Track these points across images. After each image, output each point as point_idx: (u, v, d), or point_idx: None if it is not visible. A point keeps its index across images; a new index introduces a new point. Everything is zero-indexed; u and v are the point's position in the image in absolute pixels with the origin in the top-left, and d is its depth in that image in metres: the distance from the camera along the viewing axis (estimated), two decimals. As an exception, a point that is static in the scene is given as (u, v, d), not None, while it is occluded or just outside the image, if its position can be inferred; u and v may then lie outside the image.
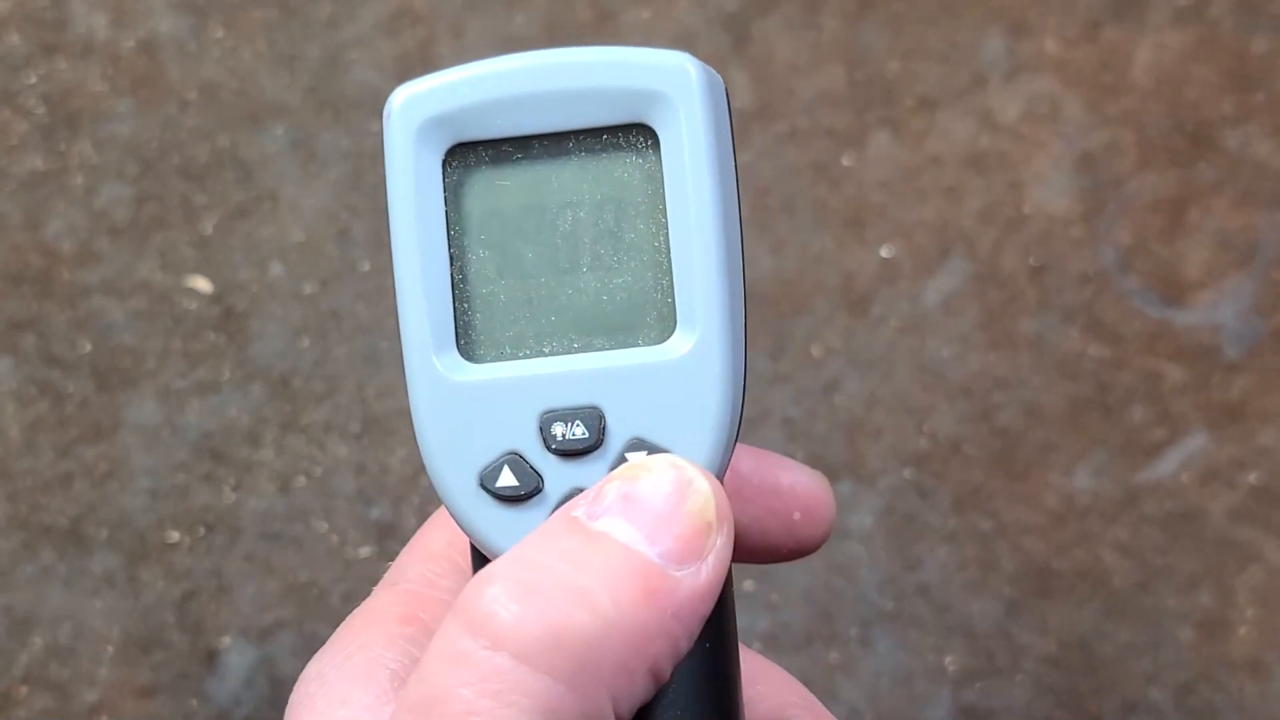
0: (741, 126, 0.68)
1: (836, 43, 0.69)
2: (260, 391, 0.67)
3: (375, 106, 0.67)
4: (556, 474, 0.30)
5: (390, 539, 0.63)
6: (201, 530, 0.66)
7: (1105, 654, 0.64)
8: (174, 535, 0.66)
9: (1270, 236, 0.67)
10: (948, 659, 0.64)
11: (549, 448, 0.30)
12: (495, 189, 0.31)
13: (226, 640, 0.65)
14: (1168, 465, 0.65)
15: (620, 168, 0.31)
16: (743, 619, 0.63)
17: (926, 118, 0.68)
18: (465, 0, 0.69)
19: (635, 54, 0.31)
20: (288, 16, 0.68)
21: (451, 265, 0.31)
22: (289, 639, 0.64)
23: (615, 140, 0.31)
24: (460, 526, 0.31)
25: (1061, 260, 0.67)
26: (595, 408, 0.30)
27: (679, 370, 0.30)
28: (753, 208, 0.67)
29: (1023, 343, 0.66)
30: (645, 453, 0.30)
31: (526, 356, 0.31)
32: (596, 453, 0.30)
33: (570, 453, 0.30)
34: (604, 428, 0.30)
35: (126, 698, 0.65)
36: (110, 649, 0.65)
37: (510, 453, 0.30)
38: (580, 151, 0.31)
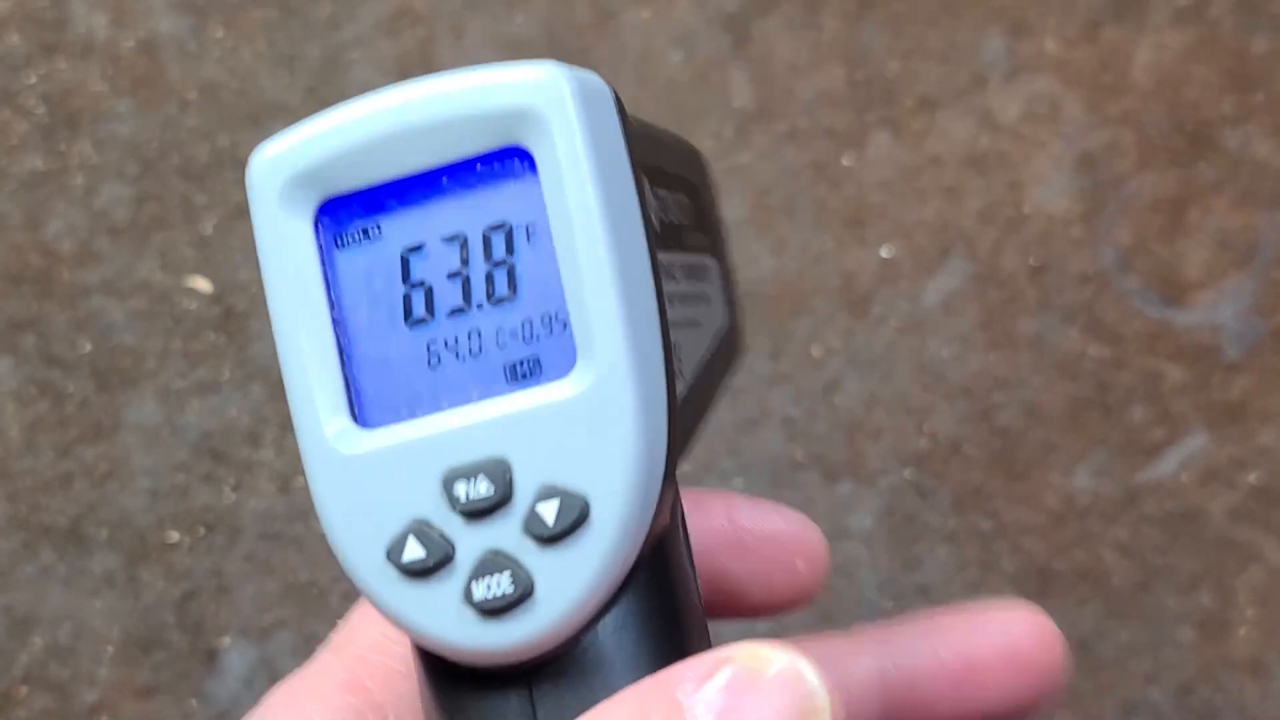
0: (741, 127, 0.68)
1: (836, 43, 0.68)
2: (260, 391, 0.67)
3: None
4: (466, 538, 0.28)
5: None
6: (201, 530, 0.66)
7: (1105, 654, 0.64)
8: (174, 535, 0.66)
9: (1270, 236, 0.67)
10: (948, 659, 0.64)
11: (454, 509, 0.28)
12: (372, 240, 0.29)
13: (226, 640, 0.65)
14: (1168, 465, 0.65)
15: (499, 197, 0.29)
16: (743, 620, 0.63)
17: (926, 118, 0.68)
18: (465, 0, 0.69)
19: (497, 73, 0.28)
20: (288, 16, 0.68)
21: (335, 329, 0.28)
22: (289, 639, 0.64)
23: (490, 169, 0.29)
24: (374, 608, 0.29)
25: (1061, 260, 0.67)
26: (500, 459, 0.28)
27: (583, 405, 0.28)
28: (752, 208, 0.67)
29: (1023, 343, 0.66)
30: (557, 500, 0.28)
31: (424, 414, 0.28)
32: (505, 509, 0.28)
33: (477, 513, 0.28)
34: (510, 480, 0.28)
35: (126, 698, 0.65)
36: (110, 649, 0.65)
37: (415, 521, 0.28)
38: (456, 186, 0.29)
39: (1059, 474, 0.65)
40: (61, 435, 0.67)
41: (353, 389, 0.28)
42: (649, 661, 0.29)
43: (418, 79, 0.29)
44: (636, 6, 0.68)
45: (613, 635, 0.29)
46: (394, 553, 0.28)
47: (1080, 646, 0.64)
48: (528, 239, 0.28)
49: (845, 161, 0.68)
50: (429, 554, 0.28)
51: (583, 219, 0.28)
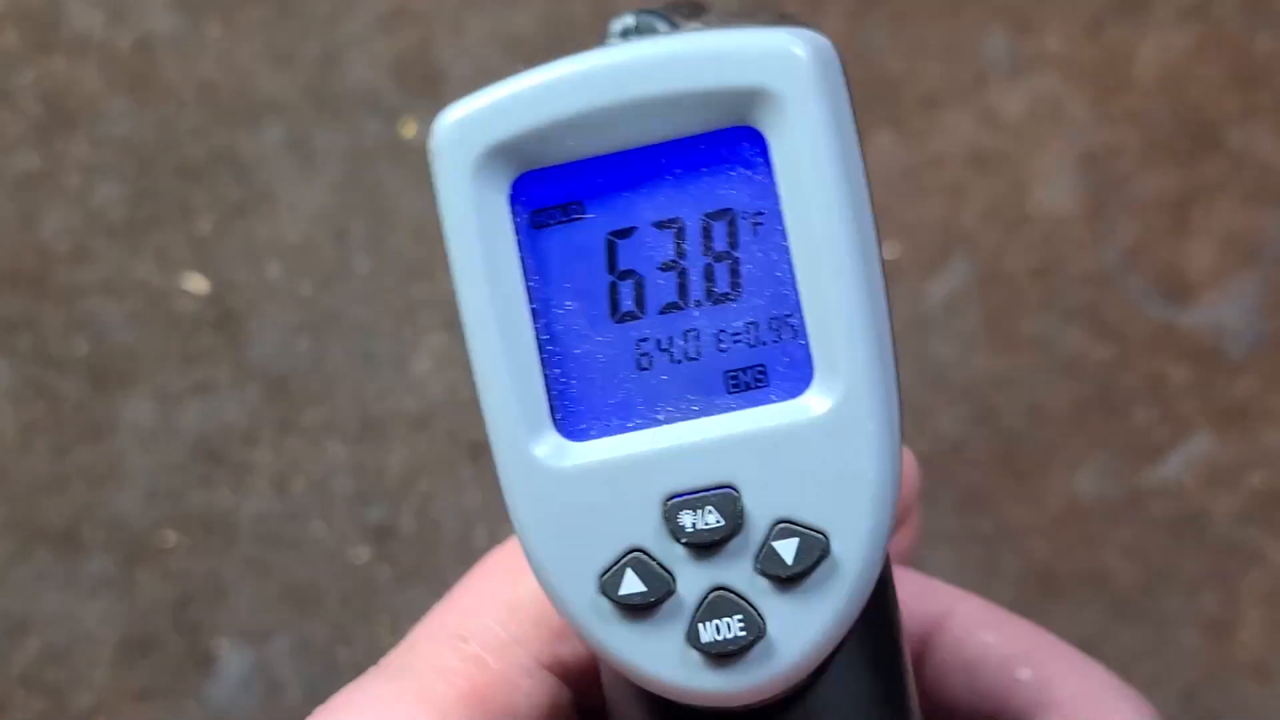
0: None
1: (837, 41, 0.68)
2: (257, 392, 0.67)
3: (373, 105, 0.67)
4: (690, 573, 0.25)
5: (389, 540, 0.63)
6: (198, 532, 0.66)
7: (1108, 656, 0.64)
8: (171, 537, 0.66)
9: (1275, 236, 0.67)
10: (950, 662, 0.63)
11: (678, 540, 0.25)
12: (577, 222, 0.26)
13: (223, 643, 0.65)
14: (1171, 467, 0.65)
15: (724, 182, 0.26)
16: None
17: (928, 117, 0.68)
18: (464, -2, 0.68)
19: (729, 42, 0.25)
20: (285, 15, 0.68)
21: (535, 323, 0.26)
22: (286, 642, 0.63)
23: (714, 149, 0.26)
24: (583, 641, 0.26)
25: (1064, 260, 0.67)
26: (729, 487, 0.25)
27: (823, 431, 0.25)
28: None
29: (1025, 343, 0.66)
30: (796, 539, 0.25)
31: (638, 428, 0.25)
32: (736, 541, 0.25)
33: (703, 545, 0.25)
34: (741, 511, 0.25)
35: (123, 700, 0.65)
36: (106, 652, 0.65)
37: (632, 550, 0.25)
38: (673, 167, 0.26)
39: (1062, 475, 0.65)
40: (57, 436, 0.67)
41: (554, 392, 0.26)
42: (878, 703, 0.27)
43: (636, 43, 0.25)
44: (637, 4, 0.68)
45: (842, 677, 0.27)
46: (609, 585, 0.25)
47: (1083, 649, 0.64)
48: (754, 230, 0.25)
49: (847, 160, 0.68)
50: (650, 589, 0.25)
51: (826, 217, 0.25)
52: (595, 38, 0.74)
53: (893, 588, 0.28)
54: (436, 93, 0.67)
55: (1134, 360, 0.66)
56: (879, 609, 0.27)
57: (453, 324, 0.63)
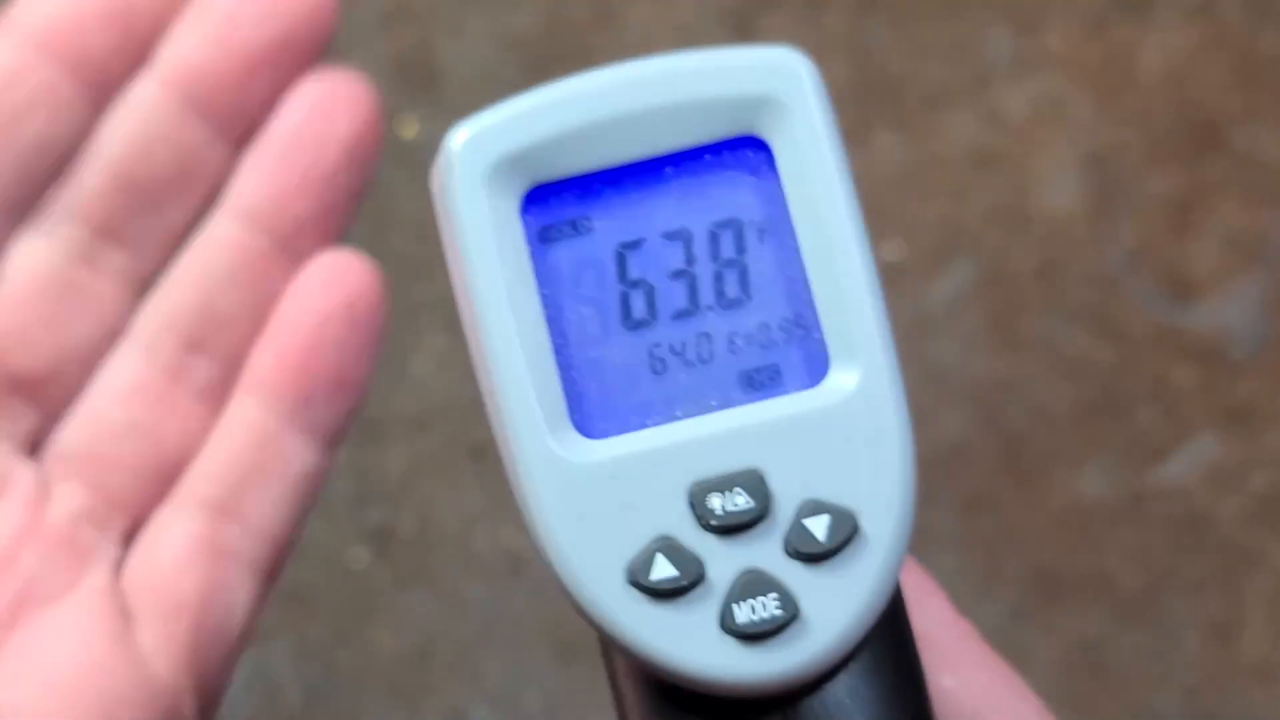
0: (743, 125, 0.68)
1: (839, 40, 0.68)
2: (256, 394, 0.67)
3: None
4: (720, 556, 0.25)
5: (388, 542, 0.63)
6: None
7: (1111, 659, 0.64)
8: (169, 539, 0.66)
9: (1278, 236, 0.67)
10: (952, 665, 0.63)
11: (706, 525, 0.25)
12: (587, 231, 0.26)
13: (222, 645, 0.65)
14: (1175, 468, 0.65)
15: (729, 190, 0.26)
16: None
17: (931, 116, 0.68)
18: (464, -2, 0.68)
19: (729, 56, 0.26)
20: (284, 14, 0.68)
21: (550, 329, 0.26)
22: (285, 644, 0.63)
23: (721, 158, 0.26)
24: (612, 638, 0.26)
25: (1067, 261, 0.67)
26: (754, 470, 0.26)
27: (845, 414, 0.26)
28: (755, 208, 0.67)
29: (1028, 344, 0.66)
30: (827, 516, 0.26)
31: (658, 423, 0.26)
32: (764, 524, 0.25)
33: (733, 528, 0.25)
34: (767, 492, 0.26)
35: (121, 703, 0.65)
36: (105, 654, 0.65)
37: (661, 538, 0.25)
38: (681, 176, 0.26)
39: (1064, 477, 0.65)
40: (55, 438, 0.67)
41: (571, 395, 0.26)
42: (900, 691, 0.27)
43: (641, 59, 0.27)
44: (637, 4, 0.68)
45: (873, 661, 0.27)
46: (639, 573, 0.25)
47: (1086, 651, 0.64)
48: (759, 237, 0.26)
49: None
50: (682, 573, 0.25)
51: (833, 216, 0.26)
52: (597, 36, 0.74)
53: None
54: (436, 93, 0.67)
55: (1137, 361, 0.66)
56: (896, 597, 0.27)
57: (453, 325, 0.63)
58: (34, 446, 0.34)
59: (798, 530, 0.25)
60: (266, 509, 0.34)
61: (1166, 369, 0.66)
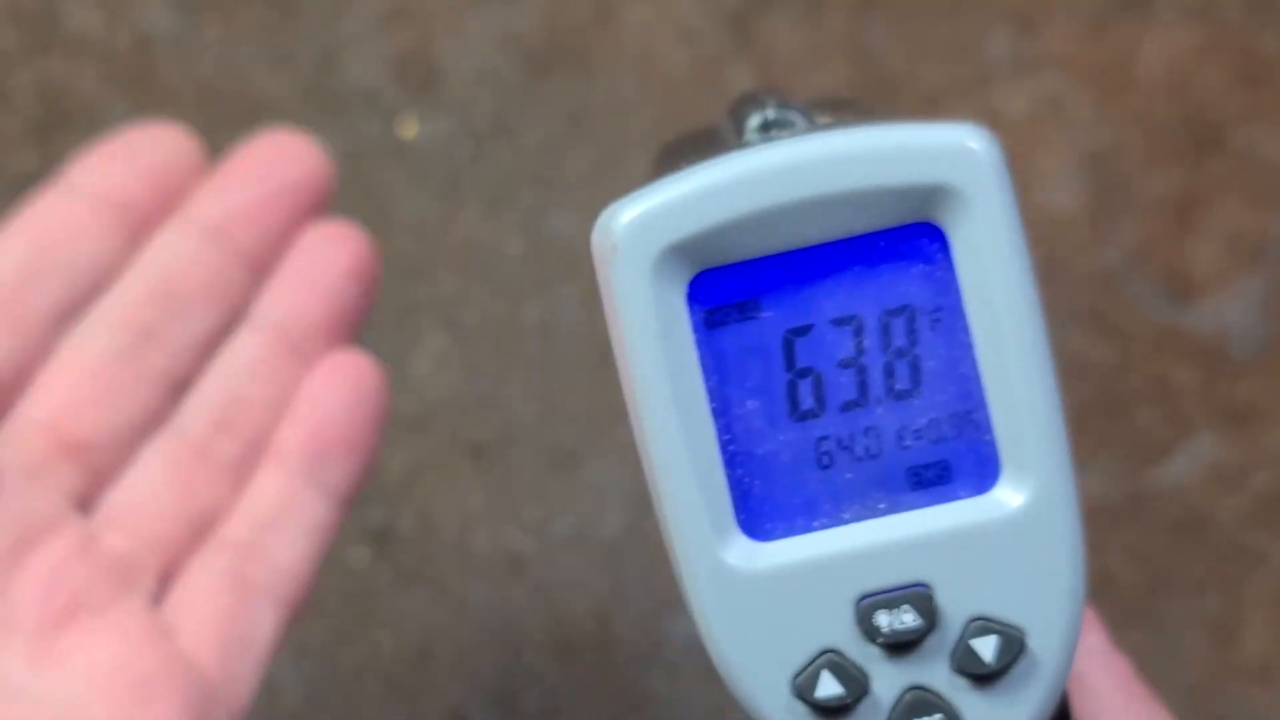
0: (743, 125, 0.68)
1: (839, 40, 0.68)
2: (256, 394, 0.67)
3: (373, 105, 0.67)
4: (885, 673, 0.25)
5: (388, 542, 0.63)
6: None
7: (1112, 659, 0.64)
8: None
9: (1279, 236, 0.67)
10: (953, 665, 0.63)
11: (872, 640, 0.25)
12: (754, 320, 0.26)
13: (222, 645, 0.65)
14: (1175, 468, 0.65)
15: (904, 279, 0.26)
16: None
17: (931, 116, 0.68)
18: (464, -2, 0.68)
19: (907, 137, 0.25)
20: (284, 15, 0.68)
21: (716, 423, 0.25)
22: (285, 644, 0.63)
23: (893, 245, 0.26)
24: None
25: (1067, 261, 0.66)
26: (922, 585, 0.25)
27: (1016, 528, 0.25)
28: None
29: (1028, 344, 0.66)
30: (995, 637, 0.25)
31: (824, 526, 0.25)
32: (931, 640, 0.25)
33: (900, 645, 0.25)
34: (934, 609, 0.25)
35: (121, 704, 0.65)
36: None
37: (826, 651, 0.25)
38: (851, 264, 0.26)
39: (1065, 477, 0.65)
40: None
41: (737, 493, 0.25)
42: None
43: (811, 137, 0.25)
44: (637, 4, 0.68)
45: None
46: (804, 688, 0.25)
47: (1087, 652, 0.64)
48: (931, 326, 0.26)
49: (848, 161, 0.67)
50: (848, 691, 0.25)
51: (1013, 313, 0.25)
52: (598, 36, 0.74)
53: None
54: (436, 93, 0.67)
55: (1137, 361, 0.66)
56: (1061, 705, 0.27)
57: (453, 325, 0.63)
58: (83, 506, 0.39)
59: (965, 650, 0.25)
60: (285, 551, 0.40)
61: (1167, 369, 0.66)
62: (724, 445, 0.25)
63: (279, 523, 0.40)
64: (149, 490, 0.40)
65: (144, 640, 0.37)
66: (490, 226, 0.66)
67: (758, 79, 0.68)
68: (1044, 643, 0.25)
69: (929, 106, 0.68)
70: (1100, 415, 0.65)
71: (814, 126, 0.28)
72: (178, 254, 0.41)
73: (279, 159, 0.43)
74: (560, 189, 0.66)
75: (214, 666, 0.38)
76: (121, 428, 0.40)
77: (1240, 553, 0.64)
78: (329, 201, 0.44)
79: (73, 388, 0.39)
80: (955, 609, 0.25)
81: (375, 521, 0.64)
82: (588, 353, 0.63)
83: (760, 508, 0.26)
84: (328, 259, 0.42)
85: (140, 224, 0.41)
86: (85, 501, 0.40)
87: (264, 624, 0.40)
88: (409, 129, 0.67)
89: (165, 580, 0.39)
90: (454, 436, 0.64)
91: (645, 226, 0.25)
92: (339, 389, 0.42)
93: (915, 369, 0.26)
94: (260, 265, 0.42)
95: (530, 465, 0.63)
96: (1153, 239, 0.67)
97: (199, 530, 0.40)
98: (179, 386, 0.41)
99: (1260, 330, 0.66)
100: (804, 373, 0.26)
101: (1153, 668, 0.66)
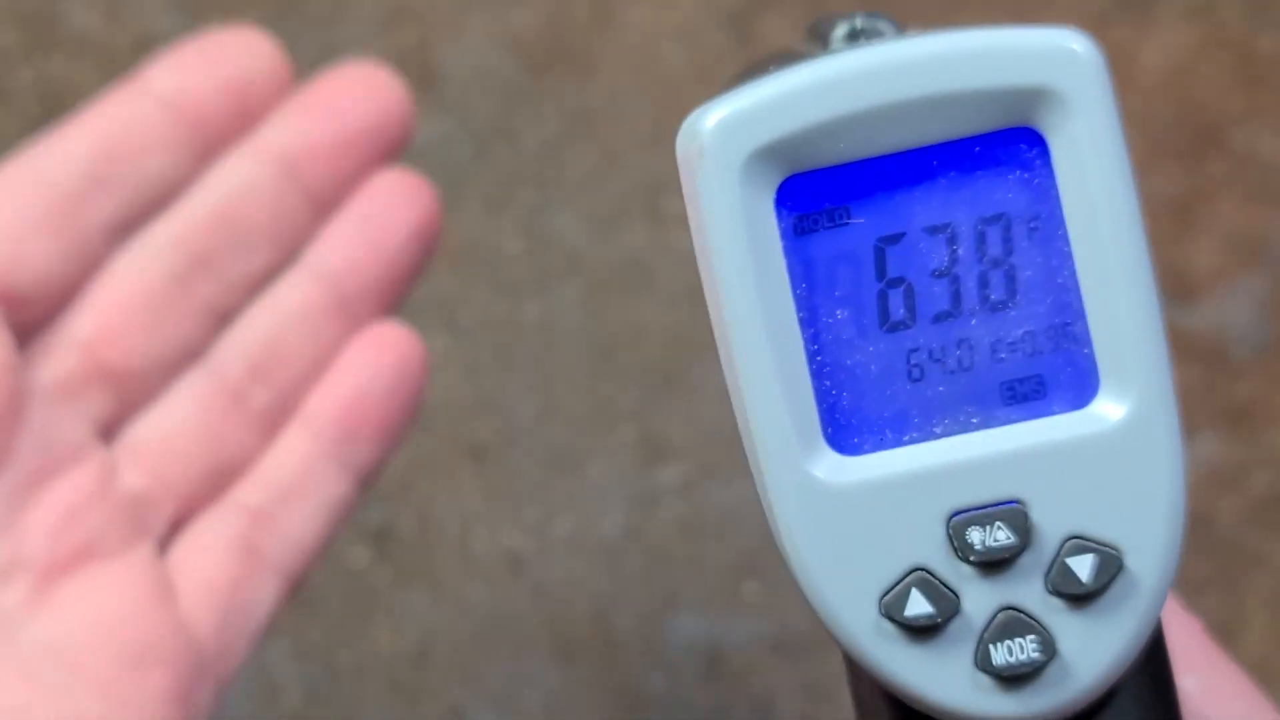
0: (743, 125, 0.68)
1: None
2: (256, 394, 0.67)
3: (373, 105, 0.67)
4: (977, 592, 0.24)
5: (388, 542, 0.63)
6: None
7: (1112, 659, 0.64)
8: (169, 539, 0.66)
9: (1279, 236, 0.67)
10: (953, 665, 0.63)
11: (964, 559, 0.24)
12: (844, 227, 0.25)
13: (222, 645, 0.65)
14: (1175, 468, 0.65)
15: (1000, 185, 0.25)
16: (746, 623, 0.63)
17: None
18: (464, -2, 0.68)
19: (1009, 38, 0.24)
20: (284, 15, 0.68)
21: (804, 333, 0.25)
22: (285, 645, 0.63)
23: (990, 151, 0.25)
24: (863, 666, 0.25)
25: (1067, 261, 0.67)
26: (1016, 501, 0.24)
27: (1115, 444, 0.24)
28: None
29: (1028, 344, 0.66)
30: (1091, 555, 0.24)
31: (915, 441, 0.25)
32: (1025, 559, 0.24)
33: (992, 564, 0.24)
34: (1029, 527, 0.24)
35: (121, 704, 0.65)
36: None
37: (916, 569, 0.24)
38: (946, 170, 0.25)
39: (1065, 477, 0.65)
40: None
41: (824, 405, 0.25)
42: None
43: (908, 38, 0.24)
44: (637, 4, 0.68)
45: (1130, 704, 0.26)
46: (893, 607, 0.24)
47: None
48: (1029, 235, 0.25)
49: (848, 161, 0.67)
50: (938, 610, 0.24)
51: (1114, 222, 0.24)
52: (598, 36, 0.74)
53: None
54: (436, 93, 0.67)
55: (1137, 361, 0.66)
56: (1156, 631, 0.26)
57: (453, 325, 0.63)
58: (107, 434, 0.39)
59: (1060, 569, 0.24)
60: (298, 523, 0.39)
61: (1166, 369, 0.66)
62: (812, 356, 0.25)
63: (297, 493, 0.39)
64: (175, 429, 0.39)
65: (148, 600, 0.37)
66: (490, 226, 0.66)
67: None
68: (1143, 563, 0.25)
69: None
70: (1100, 415, 0.65)
71: (904, 34, 0.27)
72: (245, 182, 0.39)
73: (361, 95, 0.41)
74: (560, 189, 0.66)
75: (210, 636, 0.38)
76: (158, 358, 0.39)
77: (1240, 553, 0.64)
78: (408, 145, 0.42)
79: (118, 310, 0.38)
80: (1051, 527, 0.24)
81: (375, 521, 0.64)
82: (588, 353, 0.63)
83: (849, 421, 0.25)
84: (394, 213, 0.40)
85: (212, 139, 0.40)
86: (110, 429, 0.39)
87: (265, 596, 0.39)
88: (409, 129, 0.67)
89: (176, 527, 0.39)
90: (454, 436, 0.64)
91: (734, 128, 0.24)
92: (381, 365, 0.40)
93: (1011, 279, 0.25)
94: (325, 206, 0.40)
95: (530, 465, 0.63)
96: (1153, 239, 0.67)
97: (218, 479, 0.39)
98: (222, 320, 0.40)
99: (1260, 330, 0.66)
100: (895, 282, 0.25)
101: (1153, 668, 0.66)
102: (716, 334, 0.25)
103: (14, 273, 0.37)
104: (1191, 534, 0.69)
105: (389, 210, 0.40)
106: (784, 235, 0.25)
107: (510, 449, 0.64)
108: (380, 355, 0.40)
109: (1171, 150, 0.67)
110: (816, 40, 0.29)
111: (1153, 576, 0.25)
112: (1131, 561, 0.25)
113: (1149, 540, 0.25)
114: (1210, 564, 0.64)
